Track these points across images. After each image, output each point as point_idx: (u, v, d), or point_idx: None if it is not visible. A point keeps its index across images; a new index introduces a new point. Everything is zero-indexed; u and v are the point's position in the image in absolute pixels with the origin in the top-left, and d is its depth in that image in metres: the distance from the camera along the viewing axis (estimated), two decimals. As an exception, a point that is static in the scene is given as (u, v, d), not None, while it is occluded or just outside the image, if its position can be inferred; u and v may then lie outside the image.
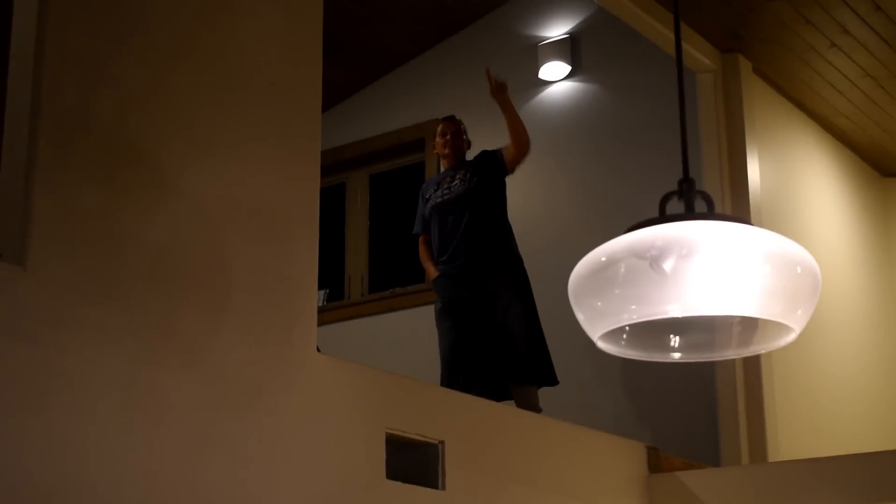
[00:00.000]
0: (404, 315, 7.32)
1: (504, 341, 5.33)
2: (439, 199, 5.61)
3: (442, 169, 5.90)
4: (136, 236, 3.25)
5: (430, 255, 5.68)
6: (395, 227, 7.75)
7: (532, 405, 5.26)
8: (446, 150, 5.76)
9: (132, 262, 3.22)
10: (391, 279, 7.61)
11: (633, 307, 2.11)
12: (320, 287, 3.91)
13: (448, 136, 5.76)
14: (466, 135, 5.86)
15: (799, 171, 6.74)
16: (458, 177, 5.64)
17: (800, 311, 2.07)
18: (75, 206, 3.11)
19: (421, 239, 5.74)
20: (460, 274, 5.50)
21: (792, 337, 2.14)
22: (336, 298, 7.71)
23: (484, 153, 5.71)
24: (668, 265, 2.06)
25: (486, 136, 7.20)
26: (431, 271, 5.61)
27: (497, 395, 5.24)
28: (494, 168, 5.62)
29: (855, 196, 7.31)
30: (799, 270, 2.07)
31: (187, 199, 3.40)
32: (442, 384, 5.37)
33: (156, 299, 3.25)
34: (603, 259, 2.14)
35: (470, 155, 5.80)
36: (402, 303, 7.37)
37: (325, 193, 3.91)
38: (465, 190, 5.57)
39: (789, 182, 6.60)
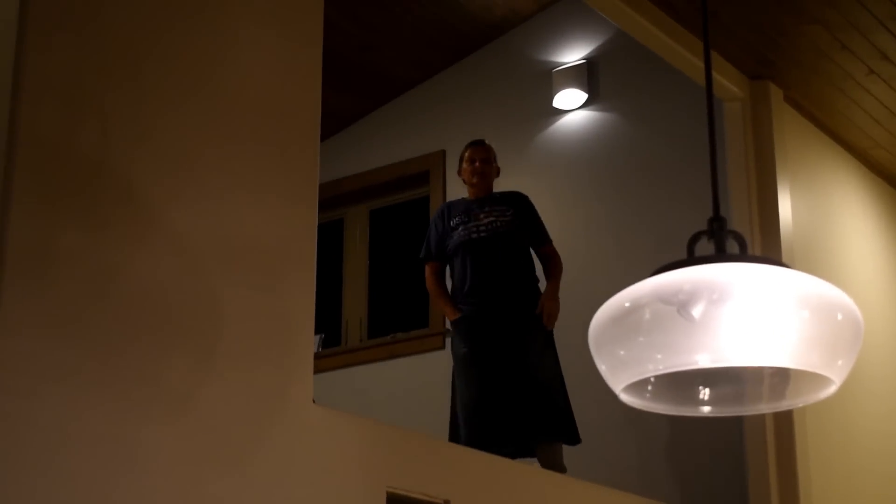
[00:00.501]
0: (407, 362, 7.31)
1: (537, 394, 5.30)
2: (473, 236, 5.56)
3: (465, 195, 5.86)
4: (120, 277, 3.24)
5: (443, 289, 5.63)
6: (397, 267, 7.76)
7: (558, 464, 5.26)
8: (474, 179, 5.73)
9: (115, 306, 3.21)
10: (392, 323, 7.61)
11: (659, 356, 2.10)
12: (316, 332, 3.90)
13: (477, 163, 5.73)
14: (496, 161, 5.85)
15: (834, 208, 6.74)
16: (490, 211, 5.61)
17: (840, 362, 2.06)
18: (54, 243, 3.11)
19: (429, 268, 5.69)
20: (490, 318, 5.45)
21: (832, 390, 2.14)
22: (333, 344, 7.71)
23: (518, 195, 5.71)
24: (697, 311, 2.06)
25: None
26: (450, 311, 5.55)
27: (524, 452, 5.23)
28: (529, 214, 5.65)
29: (894, 233, 7.30)
30: (840, 317, 2.07)
31: (175, 237, 3.41)
32: (456, 438, 5.33)
33: (140, 346, 3.24)
34: (627, 304, 2.13)
35: (497, 185, 5.81)
36: (405, 349, 7.37)
37: (321, 230, 3.92)
38: (500, 228, 5.56)
39: (824, 220, 6.60)
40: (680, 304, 2.08)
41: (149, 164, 3.37)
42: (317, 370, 3.81)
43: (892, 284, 7.16)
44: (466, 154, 5.80)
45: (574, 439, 5.37)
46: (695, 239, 2.24)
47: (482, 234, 5.55)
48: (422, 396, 7.08)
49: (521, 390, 5.28)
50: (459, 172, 5.83)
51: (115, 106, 3.32)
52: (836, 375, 2.09)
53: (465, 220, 5.62)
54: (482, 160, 5.73)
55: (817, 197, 6.58)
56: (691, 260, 2.15)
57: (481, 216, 5.61)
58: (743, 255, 2.16)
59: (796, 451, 5.65)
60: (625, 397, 2.21)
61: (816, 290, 2.08)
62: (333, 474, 3.70)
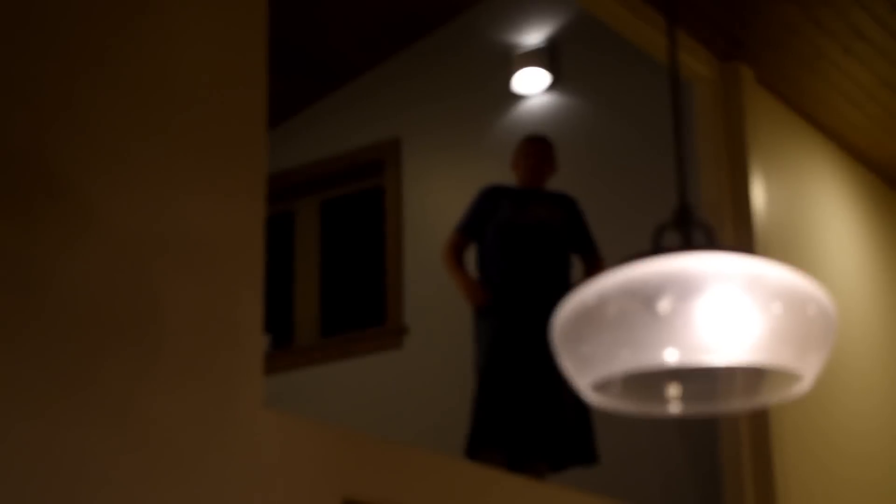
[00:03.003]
0: (362, 363, 7.32)
1: (555, 410, 5.32)
2: (521, 223, 5.60)
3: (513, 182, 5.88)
4: (54, 276, 3.23)
5: (463, 267, 5.64)
6: (351, 262, 7.76)
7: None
8: (529, 175, 5.75)
9: (49, 306, 3.20)
10: (346, 322, 7.61)
11: (626, 354, 2.12)
12: (266, 331, 3.90)
13: (540, 161, 5.76)
14: (555, 160, 5.89)
15: (809, 193, 6.79)
16: (547, 208, 5.67)
17: (812, 357, 2.09)
18: (-16, 243, 3.11)
19: (458, 239, 5.70)
20: (522, 311, 5.45)
21: (804, 386, 2.16)
22: (284, 344, 7.71)
23: (570, 199, 5.76)
24: (664, 306, 2.08)
25: (451, 160, 7.24)
26: (481, 294, 5.53)
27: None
28: (578, 219, 5.74)
29: (873, 220, 7.36)
30: (811, 311, 2.09)
31: (113, 233, 3.40)
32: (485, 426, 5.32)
33: (75, 349, 3.23)
34: (591, 300, 2.15)
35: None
36: (360, 348, 7.37)
37: (270, 223, 3.91)
38: (547, 224, 5.62)
39: (798, 205, 6.65)
40: (646, 298, 2.10)
41: (84, 158, 3.36)
42: (267, 372, 3.81)
43: (870, 272, 7.23)
44: (523, 145, 5.83)
45: (594, 458, 5.43)
46: (661, 229, 2.25)
47: (530, 224, 5.60)
48: (379, 398, 7.09)
49: (542, 396, 5.29)
50: (517, 166, 5.83)
51: (48, 98, 3.31)
52: (809, 371, 2.11)
53: (515, 207, 5.65)
54: (536, 156, 5.77)
55: (792, 182, 6.62)
56: (658, 252, 2.16)
57: (532, 207, 5.66)
58: (711, 247, 2.17)
59: (772, 448, 5.69)
60: (591, 396, 2.23)
61: (787, 282, 2.10)
62: (287, 483, 3.71)
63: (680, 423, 6.05)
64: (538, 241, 5.57)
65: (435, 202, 7.38)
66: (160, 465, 3.35)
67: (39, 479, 3.07)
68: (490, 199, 5.70)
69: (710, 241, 2.21)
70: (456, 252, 5.67)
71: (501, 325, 5.45)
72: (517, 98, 7.14)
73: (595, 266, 5.73)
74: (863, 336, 6.88)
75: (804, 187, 6.76)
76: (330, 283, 7.80)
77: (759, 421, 5.72)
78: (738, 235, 5.94)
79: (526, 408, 5.31)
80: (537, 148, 5.78)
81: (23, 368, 3.10)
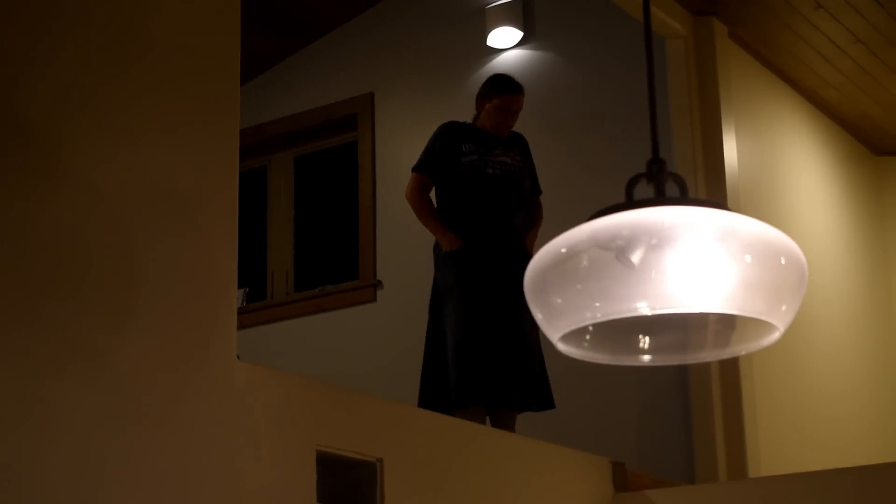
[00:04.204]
0: (336, 316, 7.32)
1: (526, 356, 5.33)
2: (489, 171, 5.51)
3: (465, 119, 5.76)
4: (28, 229, 3.22)
5: (434, 208, 5.57)
6: (325, 217, 7.75)
7: (511, 429, 5.31)
8: (501, 130, 5.65)
9: (23, 259, 3.19)
10: (320, 276, 7.61)
11: (598, 304, 2.11)
12: (240, 286, 3.90)
13: (510, 116, 5.64)
14: None
15: (781, 150, 6.81)
16: (504, 151, 5.60)
17: (784, 307, 2.09)
18: (-43, 194, 3.09)
19: (421, 179, 5.59)
20: (490, 258, 5.40)
21: (775, 336, 2.16)
22: (257, 298, 7.70)
23: (523, 140, 5.73)
24: (636, 257, 2.08)
25: (424, 115, 7.22)
26: (450, 239, 5.44)
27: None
28: (530, 160, 5.73)
29: (844, 176, 7.40)
30: (783, 261, 2.09)
31: (87, 185, 3.38)
32: (436, 377, 5.33)
33: (50, 300, 3.22)
34: (563, 251, 2.14)
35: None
36: (334, 302, 7.37)
37: (243, 178, 3.90)
38: (512, 171, 5.57)
39: (770, 162, 6.67)
40: (618, 249, 2.09)
41: (57, 111, 3.34)
42: (241, 326, 3.81)
43: (839, 228, 7.26)
44: (500, 99, 5.64)
45: (550, 404, 5.42)
46: (633, 182, 2.25)
47: (497, 172, 5.54)
48: (352, 351, 7.10)
49: (516, 344, 5.29)
50: (480, 105, 5.69)
51: (18, 49, 3.28)
52: (781, 321, 2.11)
53: (481, 152, 5.57)
54: (517, 112, 5.68)
55: (764, 138, 6.64)
56: (629, 204, 2.16)
57: (496, 153, 5.59)
58: (683, 199, 2.17)
59: (742, 399, 5.73)
60: (562, 347, 2.22)
61: (759, 234, 2.10)
62: (260, 434, 3.71)
63: (651, 375, 6.08)
64: (506, 189, 5.54)
65: (408, 156, 7.32)
66: (133, 415, 3.35)
67: (13, 424, 3.06)
68: (451, 138, 5.60)
69: (683, 193, 2.21)
70: (424, 194, 5.59)
71: (470, 273, 5.42)
72: (490, 52, 7.11)
73: (537, 205, 5.73)
74: (831, 292, 6.92)
75: (776, 143, 6.77)
76: (303, 237, 7.79)
77: (729, 374, 5.75)
78: (711, 190, 5.96)
79: (501, 359, 5.31)
80: (520, 105, 5.70)
81: (1, 317, 3.10)
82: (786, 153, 6.85)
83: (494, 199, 5.52)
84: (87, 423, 3.23)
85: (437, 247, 5.55)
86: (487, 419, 5.29)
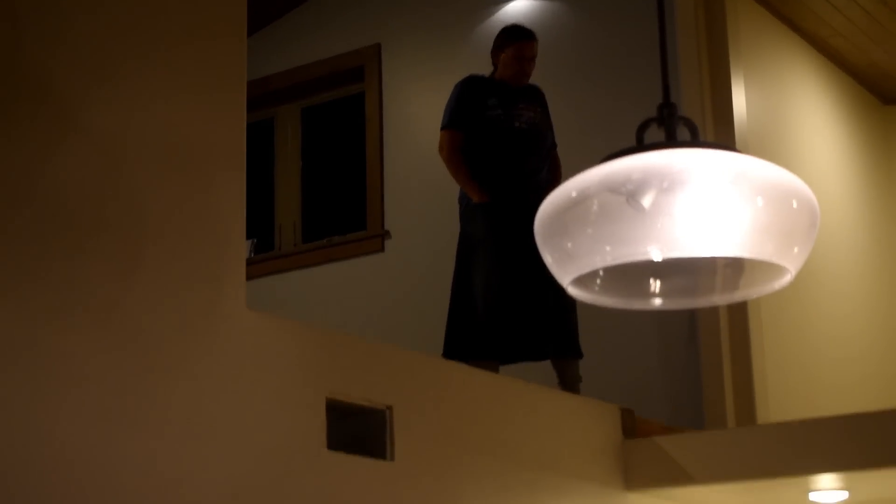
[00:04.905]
0: (343, 266, 7.32)
1: (559, 306, 5.35)
2: (516, 125, 5.54)
3: (484, 73, 5.76)
4: (36, 179, 3.21)
5: (466, 165, 5.56)
6: (332, 168, 7.73)
7: (577, 376, 5.41)
8: (520, 77, 5.65)
9: (31, 209, 3.18)
10: (328, 227, 7.60)
11: (608, 248, 2.11)
12: (248, 237, 3.89)
13: (526, 63, 5.64)
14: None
15: (789, 98, 6.78)
16: (528, 105, 5.62)
17: (796, 250, 2.08)
18: (-35, 143, 3.08)
19: (453, 136, 5.57)
20: (518, 211, 5.35)
21: (787, 279, 2.16)
22: (265, 249, 7.71)
23: (542, 93, 5.73)
24: (647, 200, 2.07)
25: (432, 66, 7.19)
26: (478, 192, 5.47)
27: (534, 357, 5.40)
28: (548, 114, 5.73)
29: (852, 126, 7.37)
30: (795, 204, 2.08)
31: (95, 137, 3.37)
32: (462, 330, 5.35)
33: (60, 251, 3.22)
34: (573, 195, 2.14)
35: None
36: (341, 253, 7.37)
37: (250, 130, 3.88)
38: (537, 124, 5.60)
39: (779, 111, 6.64)
40: (629, 193, 2.08)
41: (65, 63, 3.32)
42: (249, 276, 3.81)
43: (847, 174, 7.24)
44: (514, 47, 5.65)
45: (579, 354, 5.48)
46: (644, 126, 2.24)
47: (523, 126, 5.56)
48: (361, 301, 7.10)
49: (545, 295, 5.30)
50: (495, 58, 5.68)
51: (26, 2, 3.26)
52: (792, 264, 2.11)
53: (505, 106, 5.58)
54: (532, 59, 5.65)
55: (772, 87, 6.60)
56: (640, 147, 2.15)
57: (521, 107, 5.60)
58: (694, 142, 2.16)
59: (751, 342, 5.73)
60: (573, 290, 2.22)
61: (771, 176, 2.09)
62: (270, 382, 3.72)
63: (660, 322, 6.08)
64: (532, 143, 5.55)
65: (415, 108, 7.34)
66: (143, 364, 3.35)
67: (24, 375, 3.07)
68: (474, 93, 5.61)
69: (694, 137, 2.20)
70: (457, 151, 5.55)
71: (500, 224, 5.43)
72: (497, 2, 7.07)
73: (556, 158, 5.75)
74: (838, 238, 6.91)
75: (785, 92, 6.74)
76: (311, 189, 7.78)
77: (738, 320, 5.75)
78: (719, 138, 5.92)
79: (531, 310, 5.33)
80: (534, 52, 5.68)
81: (8, 269, 3.09)
82: (794, 102, 6.82)
83: (521, 152, 5.54)
84: (99, 372, 3.23)
85: (463, 198, 5.57)
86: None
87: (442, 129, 5.61)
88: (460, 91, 5.64)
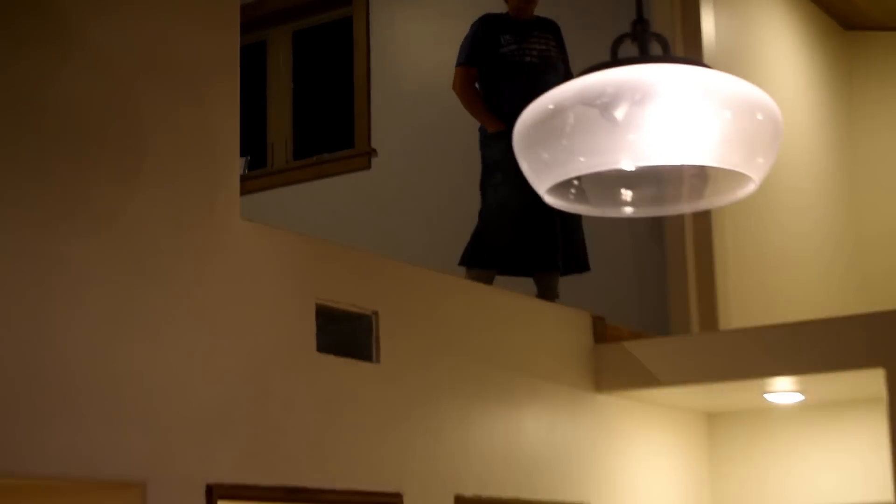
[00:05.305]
0: (333, 182, 7.29)
1: (567, 226, 5.37)
2: (527, 59, 5.51)
3: (501, 10, 5.70)
4: (41, 93, 3.18)
5: (480, 98, 5.55)
6: (322, 89, 7.68)
7: (555, 290, 5.39)
8: (527, 6, 5.61)
9: (37, 122, 3.16)
10: (318, 145, 7.56)
11: (582, 159, 2.09)
12: (242, 154, 3.86)
13: None
14: None
15: (755, 21, 6.71)
16: (539, 38, 5.57)
17: (760, 160, 2.07)
18: (-29, 58, 3.05)
19: (466, 73, 5.57)
20: None
21: (751, 188, 2.15)
22: (258, 166, 7.66)
23: (557, 25, 5.67)
24: (620, 113, 2.05)
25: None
26: (493, 122, 5.46)
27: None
28: (563, 46, 5.65)
29: (814, 49, 7.32)
30: (760, 116, 2.07)
31: (97, 54, 3.33)
32: (481, 241, 5.38)
33: (65, 162, 3.19)
34: (550, 107, 2.12)
35: None
36: (331, 169, 7.34)
37: (243, 53, 3.84)
38: (549, 57, 5.54)
39: (745, 32, 6.57)
40: (603, 106, 2.06)
41: (67, -21, 3.28)
42: (243, 192, 3.78)
43: (810, 97, 7.21)
44: None
45: (587, 267, 5.50)
46: (618, 41, 2.21)
47: (534, 60, 5.53)
48: (349, 215, 7.08)
49: (556, 214, 5.30)
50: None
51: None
52: (756, 174, 2.10)
53: (518, 41, 5.56)
54: None
55: (739, 9, 6.53)
56: (614, 62, 2.12)
57: (532, 41, 5.57)
58: (666, 57, 2.13)
59: (714, 253, 5.73)
60: (549, 198, 2.21)
61: (738, 89, 2.07)
62: (263, 287, 3.71)
63: (629, 233, 6.08)
64: (543, 75, 5.51)
65: (401, 32, 7.28)
66: (143, 270, 3.34)
67: (30, 280, 3.06)
68: (489, 30, 5.60)
69: (666, 52, 2.17)
70: (470, 86, 5.58)
71: (511, 150, 5.41)
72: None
73: None
74: (800, 156, 6.89)
75: (751, 14, 6.67)
76: (302, 109, 7.73)
77: (702, 231, 5.73)
78: (688, 55, 5.86)
79: (544, 228, 5.36)
80: None
81: (15, 180, 3.07)
82: (760, 24, 6.76)
83: (533, 84, 5.49)
84: (101, 276, 3.22)
85: (481, 128, 5.60)
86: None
87: (456, 66, 5.63)
88: (476, 30, 5.65)
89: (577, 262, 5.46)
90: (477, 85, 5.61)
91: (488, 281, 5.26)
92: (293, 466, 3.69)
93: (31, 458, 3.01)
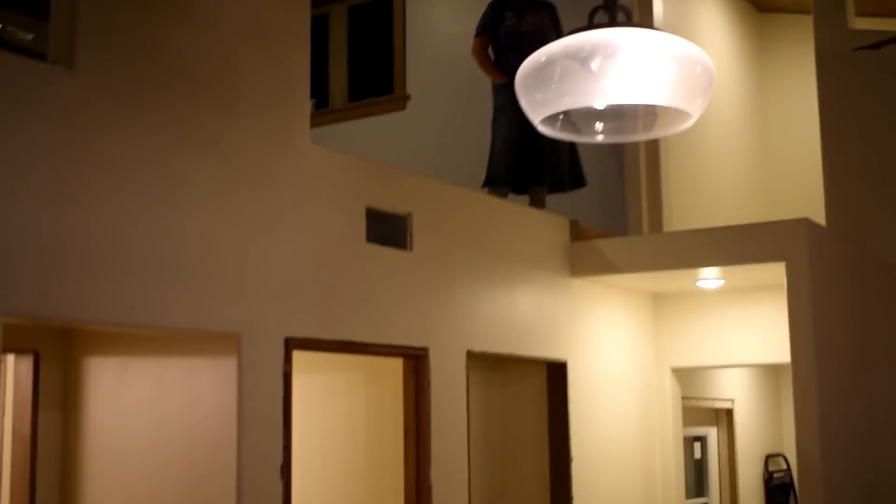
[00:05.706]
0: (378, 120, 7.27)
1: (555, 151, 5.35)
2: (523, 29, 5.48)
3: None
4: (164, 47, 3.17)
5: (489, 58, 5.55)
6: (369, 50, 7.63)
7: (543, 201, 5.39)
8: None
9: (161, 69, 3.15)
10: (366, 91, 7.53)
11: (567, 99, 2.10)
12: (310, 97, 3.85)
13: None
14: None
15: (691, 4, 6.60)
16: (535, 13, 5.52)
17: (698, 101, 2.07)
18: (114, 19, 3.03)
19: (480, 41, 5.57)
20: None
21: (691, 122, 2.15)
22: (322, 107, 7.63)
23: (552, 6, 5.60)
24: (595, 64, 2.05)
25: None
26: (498, 75, 5.46)
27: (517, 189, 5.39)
28: (558, 23, 5.58)
29: (735, 26, 7.21)
30: (699, 69, 2.07)
31: (203, 16, 3.32)
32: (497, 168, 5.36)
33: (180, 98, 3.20)
34: (542, 59, 2.12)
35: None
36: (376, 110, 7.32)
37: (312, 22, 3.82)
38: (542, 28, 5.48)
39: (684, 11, 6.46)
40: (582, 59, 2.07)
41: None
42: (312, 125, 3.77)
43: (731, 63, 7.12)
44: None
45: (584, 183, 5.48)
46: (594, 11, 2.21)
47: (529, 30, 5.50)
48: (389, 143, 7.07)
49: (542, 146, 5.31)
50: None
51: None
52: (696, 111, 2.10)
53: (517, 16, 5.56)
54: None
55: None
56: (591, 26, 2.12)
57: (528, 16, 5.55)
58: (630, 23, 2.13)
59: (660, 172, 5.70)
60: (541, 128, 2.22)
61: (682, 48, 2.07)
62: (326, 194, 3.73)
63: (599, 157, 6.05)
64: (536, 42, 5.44)
65: (432, 8, 7.20)
66: (237, 179, 3.35)
67: (154, 183, 3.07)
68: (497, 10, 5.60)
69: (629, 20, 2.17)
70: (483, 50, 5.59)
71: (513, 96, 5.37)
72: None
73: None
74: (727, 103, 6.84)
75: (689, 0, 6.56)
76: (354, 65, 7.67)
77: (652, 155, 5.71)
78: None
79: (536, 151, 5.33)
80: None
81: (143, 111, 3.08)
82: (696, 10, 6.65)
83: (527, 49, 5.43)
84: (204, 184, 3.24)
85: (493, 82, 5.55)
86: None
87: (474, 36, 5.62)
88: (487, 9, 5.66)
89: (574, 179, 5.45)
90: (490, 50, 5.58)
91: (504, 195, 5.26)
92: (348, 325, 3.73)
93: (158, 313, 3.06)
